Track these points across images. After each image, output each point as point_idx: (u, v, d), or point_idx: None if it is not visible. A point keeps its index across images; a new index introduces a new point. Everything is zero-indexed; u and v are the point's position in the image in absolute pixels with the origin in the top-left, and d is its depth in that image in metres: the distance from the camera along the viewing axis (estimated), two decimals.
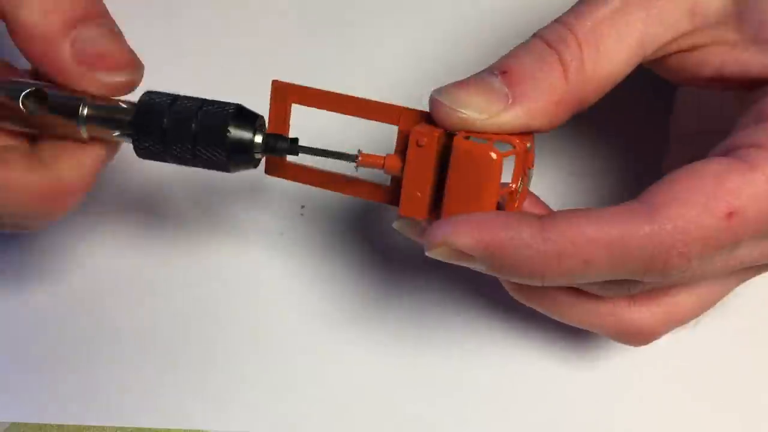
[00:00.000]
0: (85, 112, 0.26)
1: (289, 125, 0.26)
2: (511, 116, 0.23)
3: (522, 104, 0.23)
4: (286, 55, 0.37)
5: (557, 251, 0.22)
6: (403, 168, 0.25)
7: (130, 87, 0.26)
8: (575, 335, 0.32)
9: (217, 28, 0.38)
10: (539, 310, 0.27)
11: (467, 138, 0.23)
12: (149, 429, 0.32)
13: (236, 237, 0.35)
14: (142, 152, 0.26)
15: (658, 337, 0.28)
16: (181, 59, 0.39)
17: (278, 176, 0.27)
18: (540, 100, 0.23)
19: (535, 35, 0.24)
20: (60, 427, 0.32)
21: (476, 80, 0.24)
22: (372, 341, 0.33)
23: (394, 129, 0.25)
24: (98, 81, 0.25)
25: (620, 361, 0.33)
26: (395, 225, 0.26)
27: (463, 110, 0.23)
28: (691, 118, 0.30)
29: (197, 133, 0.26)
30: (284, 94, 0.26)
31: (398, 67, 0.35)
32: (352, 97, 0.26)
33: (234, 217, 0.35)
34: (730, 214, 0.22)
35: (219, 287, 0.34)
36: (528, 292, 0.27)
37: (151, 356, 0.33)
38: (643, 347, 0.28)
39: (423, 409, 0.32)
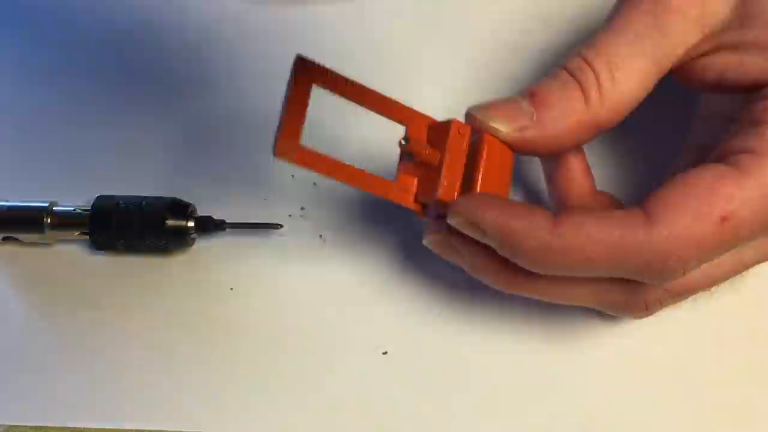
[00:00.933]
0: (48, 220, 0.33)
1: (307, 108, 0.26)
2: (534, 133, 0.26)
3: (544, 122, 0.26)
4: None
5: (564, 246, 0.24)
6: (442, 157, 0.27)
7: None
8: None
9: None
10: (531, 294, 0.28)
11: None
12: (149, 430, 0.32)
13: (236, 237, 0.35)
14: (99, 245, 0.34)
15: (659, 309, 0.29)
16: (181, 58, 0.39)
17: (289, 160, 0.26)
18: (562, 120, 0.26)
19: (558, 66, 0.27)
20: (59, 429, 0.32)
21: (506, 99, 0.27)
22: (372, 341, 0.33)
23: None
24: None
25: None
26: (454, 220, 0.27)
27: (491, 123, 0.26)
28: (706, 130, 0.31)
29: (142, 226, 0.33)
30: (308, 74, 0.26)
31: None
32: (374, 92, 0.27)
33: (234, 217, 0.35)
34: (723, 219, 0.23)
35: (218, 287, 0.34)
36: (521, 280, 0.28)
37: (151, 357, 0.33)
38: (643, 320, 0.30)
39: (423, 409, 0.32)
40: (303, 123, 0.26)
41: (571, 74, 0.26)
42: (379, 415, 0.32)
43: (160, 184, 0.36)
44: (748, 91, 0.26)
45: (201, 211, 0.35)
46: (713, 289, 0.30)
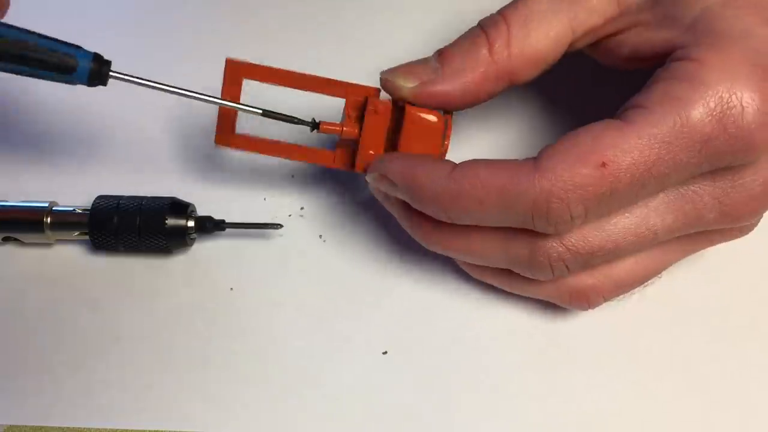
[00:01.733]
0: (48, 220, 0.34)
1: (238, 100, 0.30)
2: (437, 86, 0.28)
3: (448, 75, 0.28)
4: (285, 52, 0.37)
5: (458, 189, 0.26)
6: (359, 132, 0.30)
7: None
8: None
9: (213, 24, 0.38)
10: (495, 284, 0.32)
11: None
12: (149, 430, 0.32)
13: (236, 237, 0.35)
14: (98, 245, 0.34)
15: (602, 301, 0.30)
16: (175, 55, 0.39)
17: (228, 146, 0.31)
18: (466, 71, 0.28)
19: (477, 23, 0.29)
20: (59, 429, 0.32)
21: (417, 60, 0.29)
22: (372, 341, 0.33)
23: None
24: None
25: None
26: (370, 177, 0.30)
27: (396, 80, 0.29)
28: None
29: (141, 226, 0.33)
30: (237, 72, 0.30)
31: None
32: (302, 74, 0.30)
33: (233, 217, 0.35)
34: (603, 165, 0.24)
35: (218, 287, 0.34)
36: (483, 271, 0.31)
37: (151, 357, 0.33)
38: (587, 312, 0.31)
39: (423, 410, 0.32)
40: (236, 114, 0.31)
41: (483, 28, 0.28)
42: (379, 414, 0.32)
43: (160, 184, 0.36)
44: (658, 63, 0.27)
45: (201, 211, 0.35)
46: (647, 283, 0.31)
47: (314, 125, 0.30)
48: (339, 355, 0.33)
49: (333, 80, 0.30)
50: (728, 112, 0.24)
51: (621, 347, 0.33)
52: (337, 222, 0.35)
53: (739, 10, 0.25)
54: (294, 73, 0.30)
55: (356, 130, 0.30)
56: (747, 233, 0.30)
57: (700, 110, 0.24)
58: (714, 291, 0.33)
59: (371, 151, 0.30)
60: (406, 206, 0.29)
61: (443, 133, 0.29)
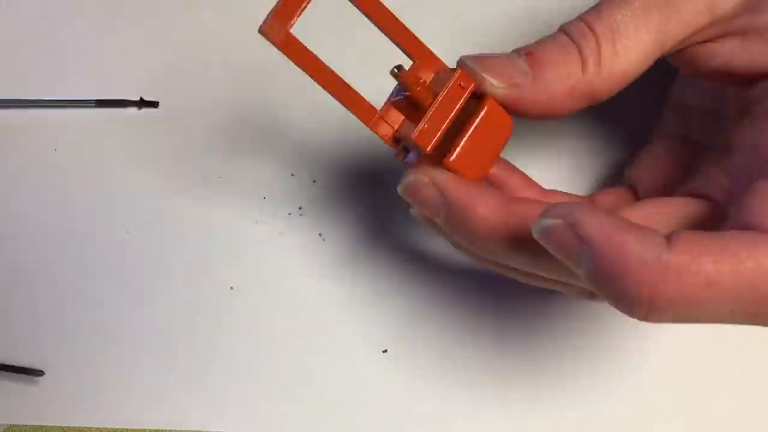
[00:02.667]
0: None
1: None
2: (527, 92, 0.25)
3: (539, 83, 0.25)
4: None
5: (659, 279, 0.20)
6: (433, 101, 0.25)
7: None
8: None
9: (212, 24, 0.38)
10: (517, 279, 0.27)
11: None
12: (149, 430, 0.32)
13: (236, 237, 0.35)
14: None
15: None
16: (174, 53, 0.39)
17: (274, 43, 0.24)
18: (557, 83, 0.25)
19: (560, 29, 0.26)
20: (59, 429, 0.32)
21: (503, 54, 0.26)
22: (372, 340, 0.33)
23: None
24: None
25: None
26: (408, 179, 0.26)
27: (485, 74, 0.25)
28: (678, 120, 0.30)
29: None
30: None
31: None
32: (392, 16, 0.25)
33: (233, 217, 0.35)
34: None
35: (219, 287, 0.34)
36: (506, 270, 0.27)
37: (151, 356, 0.33)
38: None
39: (423, 409, 0.32)
40: (301, 12, 0.24)
41: (572, 38, 0.25)
42: (379, 414, 0.32)
43: (160, 185, 0.36)
44: (753, 80, 0.25)
45: (201, 210, 0.35)
46: None
47: (398, 67, 0.25)
48: (339, 354, 0.33)
49: (418, 40, 0.26)
50: None
51: (621, 347, 0.33)
52: (336, 221, 0.35)
53: None
54: (388, 10, 0.25)
55: (431, 96, 0.25)
56: None
57: None
58: None
59: (431, 126, 0.25)
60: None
61: (508, 138, 0.26)
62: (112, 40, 0.38)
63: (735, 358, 0.33)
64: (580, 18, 0.26)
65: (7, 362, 0.33)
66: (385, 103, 0.26)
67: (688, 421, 0.32)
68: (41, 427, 0.32)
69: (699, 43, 0.26)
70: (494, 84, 0.25)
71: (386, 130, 0.26)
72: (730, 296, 0.20)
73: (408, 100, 0.26)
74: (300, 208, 0.36)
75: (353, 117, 0.26)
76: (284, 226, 0.35)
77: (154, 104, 0.37)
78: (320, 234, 0.35)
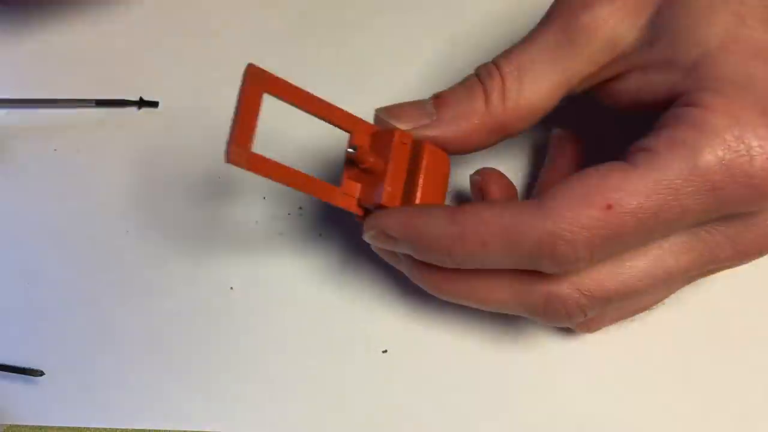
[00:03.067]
0: None
1: (258, 116, 0.27)
2: (433, 132, 0.28)
3: (443, 122, 0.28)
4: (284, 56, 0.37)
5: (460, 232, 0.26)
6: (386, 165, 0.28)
7: None
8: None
9: (212, 26, 0.38)
10: (457, 296, 0.29)
11: None
12: (149, 430, 0.32)
13: (235, 237, 0.35)
14: None
15: (605, 326, 0.30)
16: (175, 58, 0.39)
17: (241, 166, 0.27)
18: (461, 119, 0.28)
19: (474, 71, 0.29)
20: (59, 429, 0.32)
21: (413, 101, 0.29)
22: (372, 340, 0.33)
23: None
24: None
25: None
26: (367, 235, 0.29)
27: (394, 122, 0.28)
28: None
29: None
30: (259, 82, 0.27)
31: (397, 69, 0.35)
32: (321, 100, 0.28)
33: (233, 217, 0.35)
34: (608, 206, 0.24)
35: (218, 287, 0.34)
36: (444, 281, 0.29)
37: (151, 356, 0.33)
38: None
39: (423, 409, 0.32)
40: (254, 130, 0.27)
41: (479, 78, 0.28)
42: (379, 414, 0.32)
43: (160, 185, 0.36)
44: (664, 107, 0.26)
45: (201, 210, 0.35)
46: (654, 306, 0.30)
47: (353, 148, 0.28)
48: (339, 354, 0.33)
49: (348, 114, 0.29)
50: (737, 160, 0.24)
51: (622, 347, 0.33)
52: (336, 220, 0.35)
53: (739, 55, 0.25)
54: (316, 98, 0.28)
55: (382, 162, 0.28)
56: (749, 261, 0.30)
57: (707, 157, 0.24)
58: (714, 291, 0.33)
59: (393, 187, 0.28)
60: (413, 261, 0.29)
61: (449, 172, 0.29)
62: (112, 40, 0.38)
63: (734, 358, 0.33)
64: (492, 60, 0.28)
65: (7, 362, 0.33)
66: (342, 178, 0.29)
67: (687, 421, 0.32)
68: (41, 427, 0.32)
69: (609, 80, 0.28)
70: (399, 127, 0.28)
71: (350, 202, 0.29)
72: (493, 249, 0.25)
73: (361, 170, 0.29)
74: (300, 208, 0.36)
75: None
76: (284, 226, 0.35)
77: (154, 104, 0.37)
78: (320, 234, 0.35)
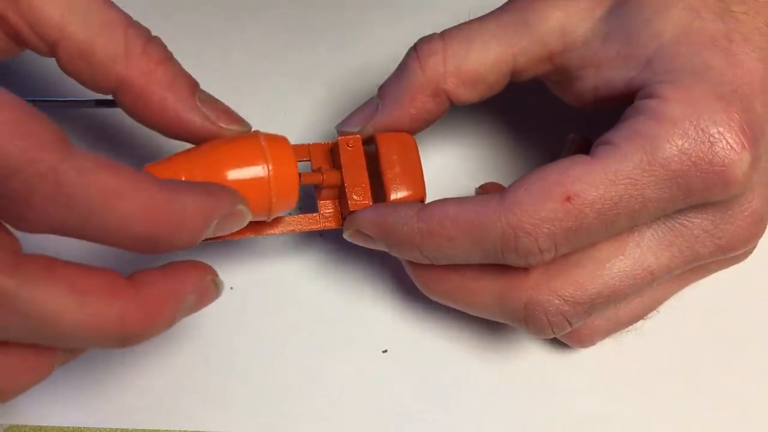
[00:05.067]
0: None
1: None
2: (381, 120, 0.29)
3: (387, 108, 0.29)
4: (283, 54, 0.37)
5: (427, 228, 0.26)
6: (341, 173, 0.29)
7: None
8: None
9: (212, 27, 0.38)
10: (438, 293, 0.30)
11: None
12: (149, 430, 0.32)
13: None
14: None
15: (599, 340, 0.30)
16: (173, 53, 0.39)
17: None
18: (402, 100, 0.29)
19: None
20: (59, 429, 0.32)
21: (363, 104, 0.30)
22: (372, 339, 0.33)
23: None
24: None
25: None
26: (346, 234, 0.30)
27: (347, 130, 0.30)
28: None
29: None
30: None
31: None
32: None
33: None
34: (568, 198, 0.24)
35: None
36: (426, 276, 0.30)
37: (151, 356, 0.33)
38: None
39: (423, 409, 0.32)
40: None
41: (416, 49, 0.29)
42: (379, 414, 0.32)
43: None
44: (625, 102, 0.27)
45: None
46: (643, 318, 0.31)
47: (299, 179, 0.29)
48: (339, 354, 0.33)
49: (298, 146, 0.30)
50: (697, 148, 0.24)
51: (621, 348, 0.33)
52: None
53: (694, 46, 0.25)
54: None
55: (338, 174, 0.30)
56: (744, 259, 0.30)
57: (666, 147, 0.24)
58: (715, 291, 0.34)
59: (357, 192, 0.30)
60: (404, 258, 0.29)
61: (417, 149, 0.30)
62: None
63: (735, 358, 0.33)
64: (440, 32, 0.29)
65: None
66: (317, 204, 0.31)
67: (687, 420, 0.32)
68: (41, 427, 0.32)
69: (569, 81, 0.29)
70: (354, 131, 0.30)
71: (331, 222, 0.31)
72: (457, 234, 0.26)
73: (327, 189, 0.30)
74: (300, 208, 0.36)
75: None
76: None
77: None
78: (320, 234, 0.35)
